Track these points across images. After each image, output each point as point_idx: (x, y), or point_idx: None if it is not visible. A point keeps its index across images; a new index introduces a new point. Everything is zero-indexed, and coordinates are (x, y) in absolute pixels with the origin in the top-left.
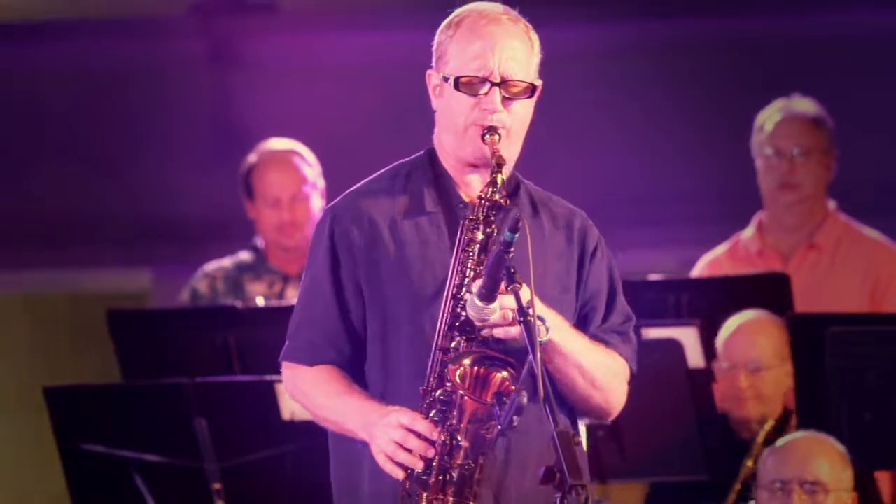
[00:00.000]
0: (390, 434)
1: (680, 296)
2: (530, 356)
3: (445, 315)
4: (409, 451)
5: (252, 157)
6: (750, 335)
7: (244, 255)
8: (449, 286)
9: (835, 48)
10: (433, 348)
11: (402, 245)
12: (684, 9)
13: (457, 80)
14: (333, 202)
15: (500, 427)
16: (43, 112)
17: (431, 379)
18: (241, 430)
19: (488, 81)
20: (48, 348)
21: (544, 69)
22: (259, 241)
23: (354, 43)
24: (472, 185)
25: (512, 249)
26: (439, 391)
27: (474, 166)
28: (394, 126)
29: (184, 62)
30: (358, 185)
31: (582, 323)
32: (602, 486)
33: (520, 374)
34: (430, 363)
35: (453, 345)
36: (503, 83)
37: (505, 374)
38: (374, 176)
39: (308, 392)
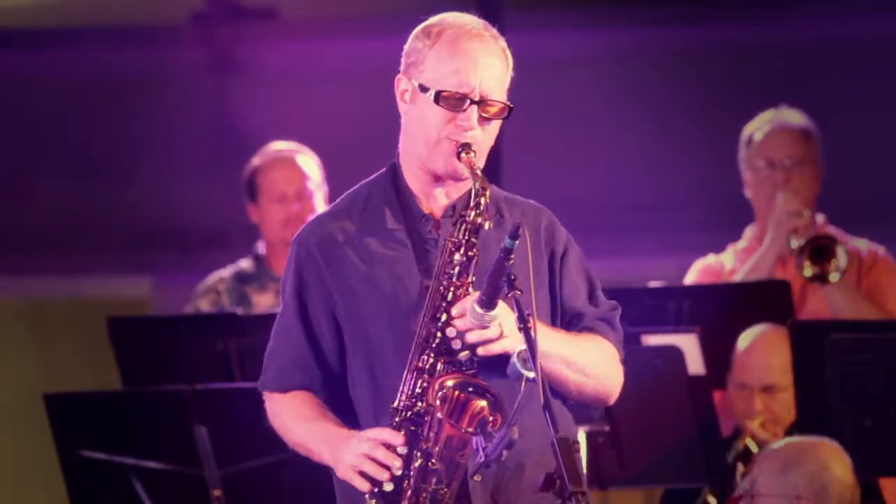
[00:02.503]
0: (358, 447)
1: (680, 303)
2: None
3: (422, 335)
4: (376, 462)
5: (255, 160)
6: (763, 356)
7: (244, 264)
8: (427, 307)
9: (837, 55)
10: (406, 368)
11: (370, 263)
12: (687, 16)
13: (437, 93)
14: (299, 231)
15: (485, 458)
16: (44, 119)
17: (403, 398)
18: (241, 436)
19: (468, 98)
20: (48, 355)
21: (548, 74)
22: (260, 248)
23: (354, 50)
24: (435, 198)
25: (512, 256)
26: (410, 412)
27: (439, 179)
28: (393, 132)
29: (184, 70)
30: (321, 212)
31: (569, 325)
32: (602, 493)
33: (497, 403)
34: (402, 382)
35: (429, 365)
36: (482, 102)
37: (484, 403)
38: (336, 202)
39: (282, 417)
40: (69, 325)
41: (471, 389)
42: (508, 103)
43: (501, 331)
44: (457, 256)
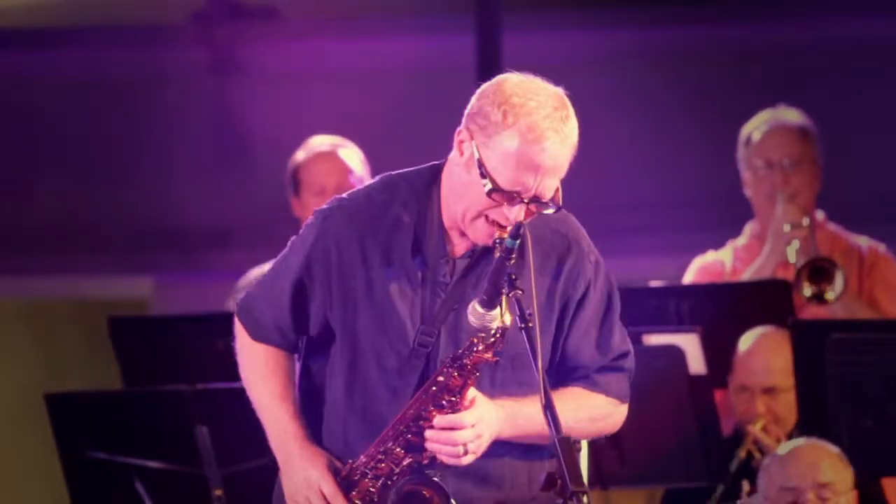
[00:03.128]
0: (310, 496)
1: (681, 302)
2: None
3: (399, 429)
4: None
5: (299, 154)
6: (764, 358)
7: None
8: (414, 406)
9: (837, 55)
10: (375, 449)
11: (381, 292)
12: (688, 16)
13: (491, 190)
14: (328, 208)
15: None
16: (45, 120)
17: (368, 467)
18: (242, 436)
19: (521, 197)
20: (49, 355)
21: (548, 75)
22: None
23: (355, 50)
24: (460, 247)
25: (513, 256)
26: (357, 486)
27: (467, 236)
28: (395, 132)
29: (185, 70)
30: (355, 196)
31: (572, 372)
32: (603, 493)
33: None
34: (368, 454)
35: (396, 450)
36: (533, 199)
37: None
38: (369, 192)
39: (247, 362)
40: (70, 325)
41: (425, 492)
42: (559, 204)
43: (466, 449)
44: (456, 378)
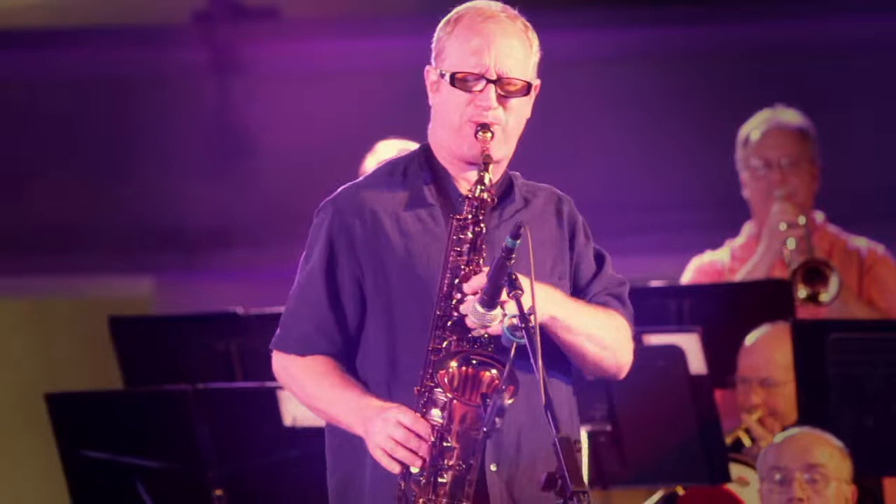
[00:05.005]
0: (390, 431)
1: (682, 302)
2: (511, 356)
3: (436, 315)
4: (408, 449)
5: (369, 159)
6: (764, 351)
7: None
8: (441, 286)
9: (837, 55)
10: (426, 349)
11: (407, 236)
12: (689, 16)
13: (452, 75)
14: (333, 196)
15: (484, 429)
16: (46, 120)
17: (425, 380)
18: (242, 436)
19: (484, 78)
20: (50, 355)
21: (548, 74)
22: None
23: (356, 49)
24: (471, 180)
25: (513, 256)
26: (428, 395)
27: (471, 163)
28: (396, 131)
29: (186, 70)
30: (356, 181)
31: (579, 293)
32: (604, 493)
33: (507, 371)
34: (423, 364)
35: (444, 345)
36: (499, 80)
37: (494, 371)
38: (370, 173)
39: (300, 380)
40: (71, 324)
41: (475, 362)
42: (528, 80)
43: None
44: (468, 234)
